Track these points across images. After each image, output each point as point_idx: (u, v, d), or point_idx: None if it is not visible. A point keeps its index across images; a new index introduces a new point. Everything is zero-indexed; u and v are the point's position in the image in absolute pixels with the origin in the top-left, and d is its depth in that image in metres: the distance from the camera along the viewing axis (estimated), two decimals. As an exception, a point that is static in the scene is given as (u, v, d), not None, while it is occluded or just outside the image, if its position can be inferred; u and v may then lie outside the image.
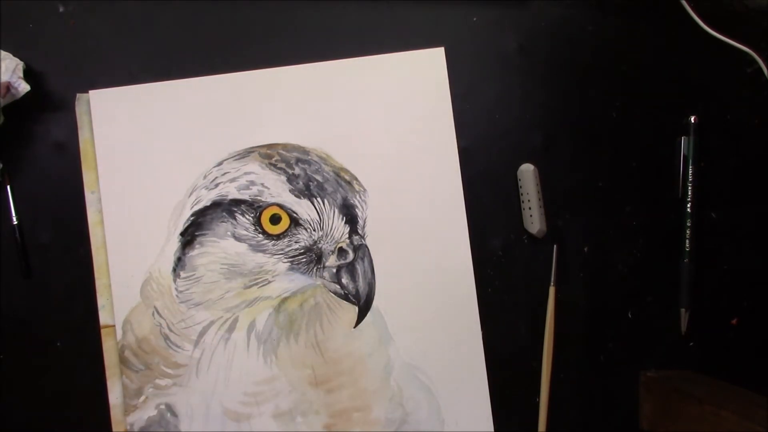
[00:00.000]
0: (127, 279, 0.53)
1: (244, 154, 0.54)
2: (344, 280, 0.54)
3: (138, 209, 0.54)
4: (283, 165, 0.54)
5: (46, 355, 0.53)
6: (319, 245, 0.54)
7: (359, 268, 0.54)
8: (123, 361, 0.53)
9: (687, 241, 0.56)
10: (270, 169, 0.54)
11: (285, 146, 0.55)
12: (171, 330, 0.53)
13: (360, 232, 0.54)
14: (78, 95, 0.54)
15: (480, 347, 0.55)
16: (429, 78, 0.56)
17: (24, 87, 0.51)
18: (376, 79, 0.56)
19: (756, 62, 0.57)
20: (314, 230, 0.54)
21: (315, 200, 0.54)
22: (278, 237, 0.53)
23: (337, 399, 0.54)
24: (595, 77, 0.57)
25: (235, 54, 0.55)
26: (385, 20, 0.56)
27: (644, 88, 0.57)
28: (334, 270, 0.54)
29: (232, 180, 0.54)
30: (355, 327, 0.54)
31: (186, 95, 0.54)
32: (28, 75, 0.53)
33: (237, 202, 0.54)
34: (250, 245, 0.53)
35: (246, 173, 0.54)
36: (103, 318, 0.53)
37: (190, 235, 0.54)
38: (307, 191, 0.54)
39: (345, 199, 0.54)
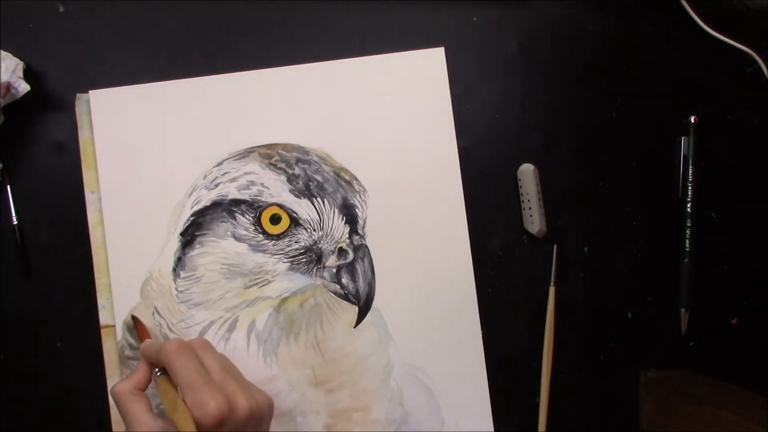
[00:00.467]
0: (127, 279, 0.53)
1: (244, 154, 0.54)
2: (344, 280, 0.54)
3: (138, 209, 0.54)
4: (283, 165, 0.54)
5: (46, 355, 0.53)
6: (319, 245, 0.54)
7: (359, 268, 0.54)
8: (123, 361, 0.53)
9: (687, 241, 0.56)
10: (270, 169, 0.54)
11: (285, 146, 0.55)
12: (171, 330, 0.53)
13: (360, 232, 0.54)
14: (78, 95, 0.54)
15: (480, 347, 0.55)
16: (429, 78, 0.56)
17: (24, 87, 0.51)
18: (376, 79, 0.56)
19: (756, 62, 0.57)
20: (314, 230, 0.54)
21: (315, 200, 0.54)
22: (278, 237, 0.53)
23: (337, 399, 0.54)
24: (595, 77, 0.57)
25: (235, 54, 0.55)
26: (385, 20, 0.56)
27: (644, 88, 0.57)
28: (334, 270, 0.54)
29: (232, 180, 0.54)
30: (355, 327, 0.54)
31: (186, 95, 0.54)
32: (28, 75, 0.53)
33: (237, 202, 0.54)
34: (250, 245, 0.53)
35: (246, 173, 0.54)
36: (103, 318, 0.53)
37: (190, 235, 0.54)
38: (307, 191, 0.54)
39: (345, 199, 0.54)
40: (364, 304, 0.54)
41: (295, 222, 0.53)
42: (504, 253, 0.56)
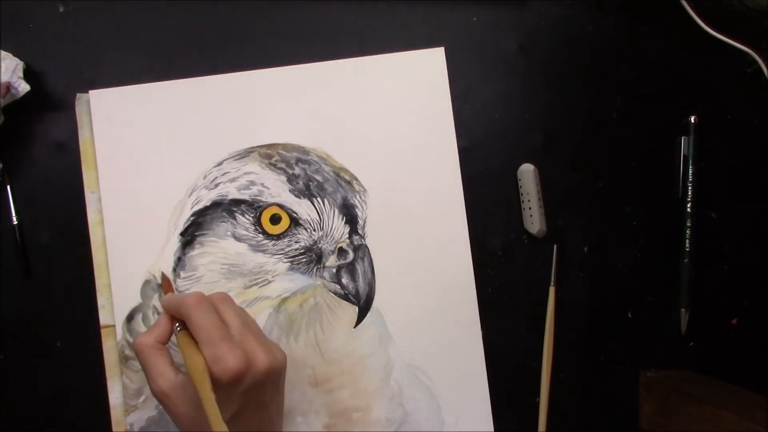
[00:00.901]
0: (127, 279, 0.53)
1: (244, 154, 0.54)
2: (344, 280, 0.54)
3: (138, 209, 0.54)
4: (283, 165, 0.54)
5: (46, 355, 0.53)
6: (319, 245, 0.54)
7: (359, 268, 0.54)
8: (123, 361, 0.53)
9: (687, 241, 0.56)
10: (270, 169, 0.54)
11: (285, 146, 0.55)
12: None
13: (360, 232, 0.54)
14: (78, 95, 0.54)
15: (480, 347, 0.55)
16: (429, 78, 0.56)
17: (24, 87, 0.51)
18: (376, 79, 0.56)
19: (756, 62, 0.57)
20: (314, 230, 0.54)
21: (315, 200, 0.54)
22: (278, 237, 0.53)
23: (337, 399, 0.54)
24: (595, 77, 0.57)
25: (235, 54, 0.55)
26: (385, 20, 0.56)
27: (644, 88, 0.57)
28: (334, 270, 0.54)
29: (232, 180, 0.54)
30: (355, 327, 0.54)
31: (186, 95, 0.54)
32: (28, 75, 0.53)
33: (237, 202, 0.54)
34: (250, 245, 0.53)
35: (246, 173, 0.54)
36: (103, 318, 0.53)
37: (190, 235, 0.54)
38: (307, 191, 0.54)
39: (345, 199, 0.54)
40: (364, 304, 0.54)
41: (295, 222, 0.53)
42: (504, 253, 0.56)
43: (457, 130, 0.56)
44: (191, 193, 0.54)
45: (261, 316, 0.54)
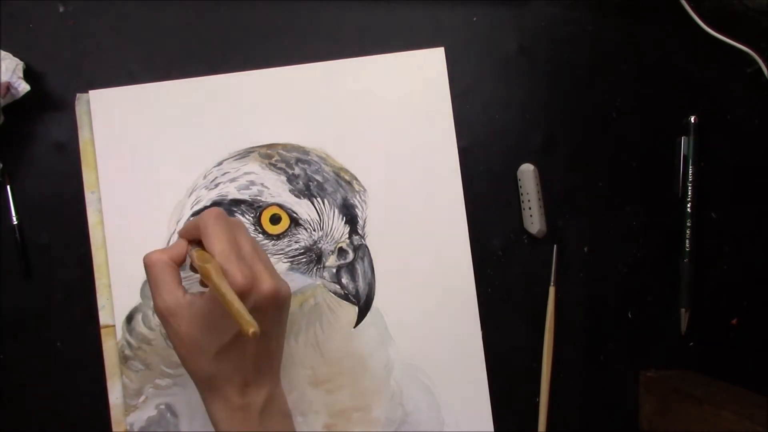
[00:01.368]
0: (127, 279, 0.53)
1: (244, 154, 0.54)
2: (344, 280, 0.54)
3: (138, 209, 0.54)
4: (283, 165, 0.54)
5: (46, 355, 0.53)
6: (319, 245, 0.54)
7: (359, 268, 0.54)
8: (123, 361, 0.53)
9: (687, 241, 0.56)
10: (270, 169, 0.54)
11: (285, 146, 0.55)
12: (171, 330, 0.53)
13: (360, 232, 0.54)
14: (78, 95, 0.54)
15: (480, 347, 0.55)
16: (429, 78, 0.56)
17: (24, 87, 0.51)
18: (376, 79, 0.56)
19: (756, 62, 0.57)
20: (314, 230, 0.54)
21: (315, 200, 0.54)
22: (278, 237, 0.53)
23: (337, 399, 0.54)
24: (595, 77, 0.57)
25: (235, 54, 0.55)
26: (385, 20, 0.56)
27: (644, 88, 0.57)
28: (334, 270, 0.54)
29: (232, 180, 0.54)
30: (355, 327, 0.54)
31: (186, 95, 0.54)
32: (28, 75, 0.53)
33: (237, 202, 0.54)
34: (250, 245, 0.53)
35: (246, 173, 0.54)
36: (103, 318, 0.53)
37: (190, 235, 0.53)
38: (307, 191, 0.54)
39: (345, 199, 0.54)
40: (364, 304, 0.54)
41: (295, 222, 0.53)
42: (504, 253, 0.56)
43: (457, 130, 0.56)
44: (191, 193, 0.54)
45: (261, 316, 0.54)
